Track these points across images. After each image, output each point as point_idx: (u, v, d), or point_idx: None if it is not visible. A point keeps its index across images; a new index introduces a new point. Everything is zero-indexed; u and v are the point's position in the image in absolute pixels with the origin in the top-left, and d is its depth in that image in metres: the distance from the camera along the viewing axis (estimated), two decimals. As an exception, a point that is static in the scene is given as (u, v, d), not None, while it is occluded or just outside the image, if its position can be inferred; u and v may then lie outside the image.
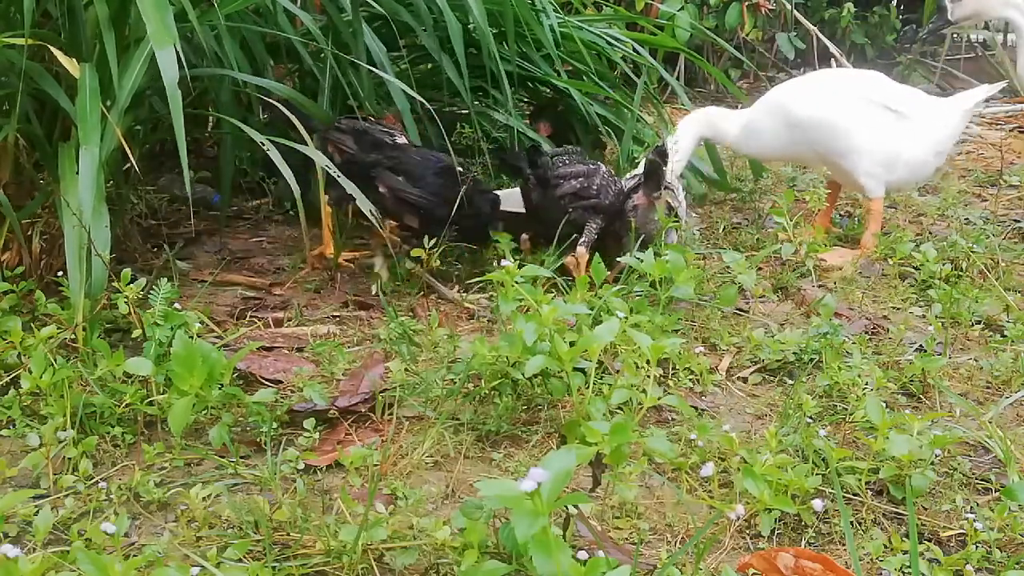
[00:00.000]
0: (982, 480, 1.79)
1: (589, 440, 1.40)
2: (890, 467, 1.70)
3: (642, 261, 2.26)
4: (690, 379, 2.15)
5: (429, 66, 3.63)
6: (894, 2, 6.92)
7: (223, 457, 1.71)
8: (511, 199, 2.75)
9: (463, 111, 3.60)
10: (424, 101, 2.75)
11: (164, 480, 1.68)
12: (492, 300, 2.50)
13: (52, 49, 2.08)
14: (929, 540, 1.59)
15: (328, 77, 2.97)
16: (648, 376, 1.66)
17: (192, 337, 1.93)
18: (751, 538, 1.58)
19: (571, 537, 1.47)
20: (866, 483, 1.71)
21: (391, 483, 1.65)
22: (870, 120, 3.01)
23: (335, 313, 2.50)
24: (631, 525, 1.60)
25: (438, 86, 3.36)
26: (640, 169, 2.77)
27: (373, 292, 2.56)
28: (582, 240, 2.62)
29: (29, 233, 2.37)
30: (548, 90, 3.65)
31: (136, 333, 2.00)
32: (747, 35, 6.15)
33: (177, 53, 1.97)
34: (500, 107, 3.38)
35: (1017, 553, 1.54)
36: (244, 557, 1.45)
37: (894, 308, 2.66)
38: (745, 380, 2.19)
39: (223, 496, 1.59)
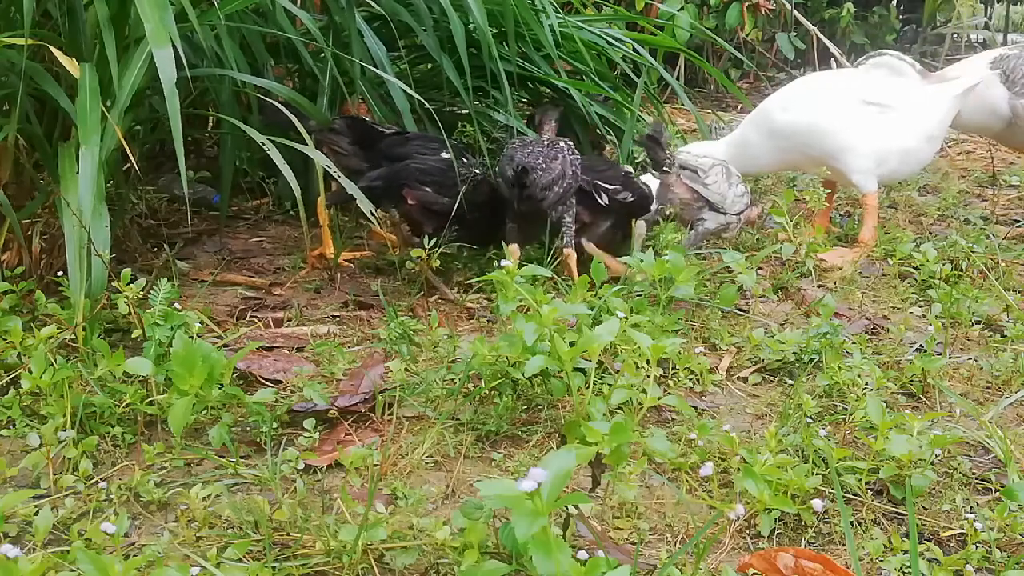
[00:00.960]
0: (982, 480, 1.79)
1: (589, 440, 1.40)
2: (890, 467, 1.70)
3: (642, 261, 2.27)
4: (690, 379, 2.15)
5: (429, 66, 3.64)
6: (894, 2, 6.92)
7: (223, 457, 1.71)
8: None
9: (463, 111, 3.60)
10: (424, 101, 2.76)
11: (164, 480, 1.68)
12: (492, 300, 2.50)
13: (52, 49, 2.08)
14: (929, 540, 1.59)
15: (328, 77, 2.97)
16: (648, 376, 1.66)
17: (192, 337, 1.93)
18: (751, 538, 1.58)
19: (571, 537, 1.47)
20: (866, 483, 1.71)
21: (391, 483, 1.65)
22: (853, 117, 3.02)
23: (335, 313, 2.50)
24: (631, 525, 1.60)
25: (438, 86, 3.36)
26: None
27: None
28: (565, 241, 2.60)
29: (29, 233, 2.37)
30: (548, 90, 3.65)
31: (136, 333, 2.00)
32: (747, 35, 6.16)
33: (177, 53, 1.97)
34: (500, 107, 3.38)
35: (1017, 553, 1.54)
36: (244, 557, 1.45)
37: (894, 308, 2.66)
38: (745, 380, 2.19)
39: (223, 496, 1.59)
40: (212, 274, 2.68)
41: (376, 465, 1.69)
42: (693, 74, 6.15)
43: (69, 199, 2.02)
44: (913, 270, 2.87)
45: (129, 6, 2.26)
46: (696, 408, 2.02)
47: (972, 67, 3.35)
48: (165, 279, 2.09)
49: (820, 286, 2.73)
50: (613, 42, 3.75)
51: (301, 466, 1.71)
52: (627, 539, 1.56)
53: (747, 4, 6.03)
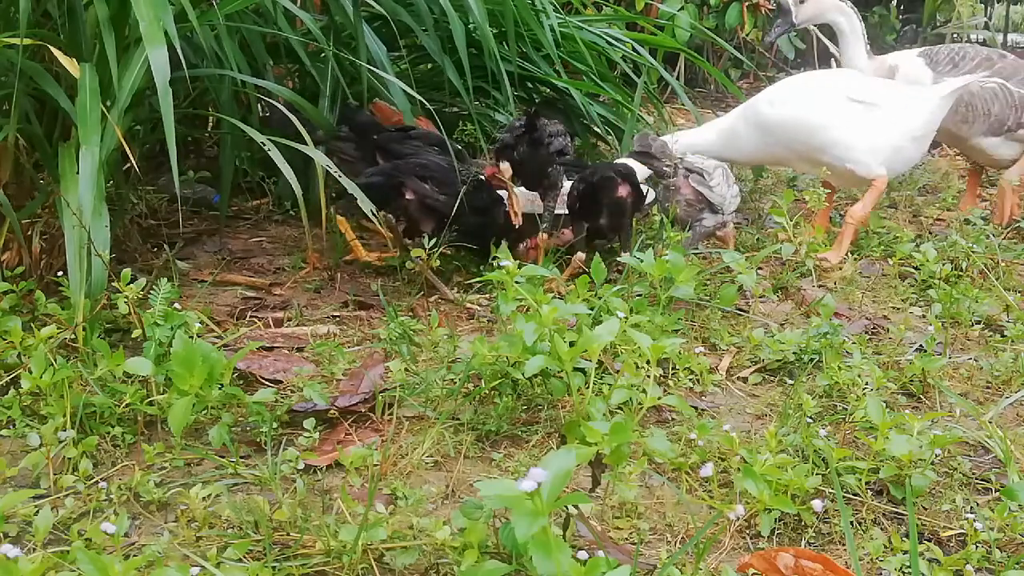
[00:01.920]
0: (982, 480, 1.79)
1: (589, 440, 1.40)
2: (890, 467, 1.70)
3: (642, 260, 2.26)
4: (690, 379, 2.15)
5: (429, 66, 3.64)
6: (894, 2, 6.92)
7: (223, 457, 1.71)
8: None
9: (463, 111, 3.61)
10: (424, 101, 2.76)
11: (164, 480, 1.68)
12: (492, 300, 2.50)
13: (52, 49, 2.08)
14: (929, 540, 1.59)
15: (328, 77, 2.97)
16: (648, 376, 1.66)
17: (192, 337, 1.93)
18: (751, 538, 1.58)
19: (571, 537, 1.47)
20: (866, 483, 1.71)
21: (391, 483, 1.65)
22: (840, 113, 3.03)
23: (335, 313, 2.50)
24: (631, 525, 1.60)
25: (439, 86, 3.36)
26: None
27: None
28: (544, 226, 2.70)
29: (29, 233, 2.37)
30: (548, 90, 3.65)
31: (136, 333, 2.00)
32: (747, 35, 6.16)
33: (176, 53, 1.97)
34: (500, 107, 3.38)
35: (1017, 553, 1.54)
36: (244, 557, 1.45)
37: (894, 308, 2.66)
38: (745, 380, 2.19)
39: (223, 496, 1.59)
40: (212, 274, 2.68)
41: (376, 465, 1.69)
42: (693, 74, 6.15)
43: (69, 199, 2.02)
44: (913, 270, 2.87)
45: (129, 6, 2.25)
46: (696, 408, 2.02)
47: (904, 55, 3.51)
48: (165, 279, 2.09)
49: (820, 286, 2.73)
50: (613, 42, 3.75)
51: (301, 466, 1.71)
52: (627, 539, 1.56)
53: (747, 4, 6.03)
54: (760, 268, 2.85)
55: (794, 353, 2.20)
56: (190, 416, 1.68)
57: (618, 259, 2.62)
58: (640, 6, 5.64)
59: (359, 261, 2.77)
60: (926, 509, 1.68)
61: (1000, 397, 2.12)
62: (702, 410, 2.03)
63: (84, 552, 1.20)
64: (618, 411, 1.80)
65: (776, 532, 1.59)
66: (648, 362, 1.67)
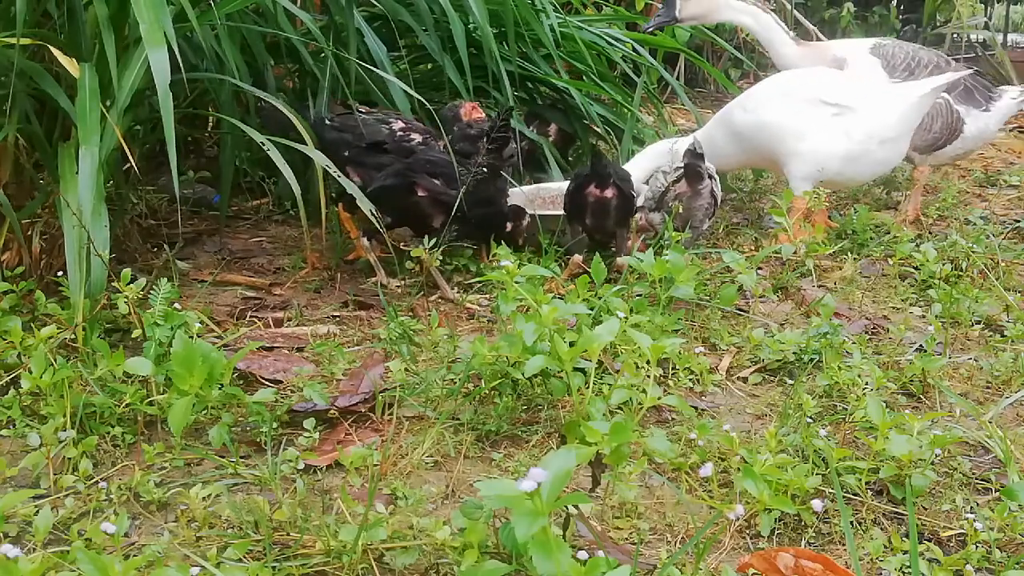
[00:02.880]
0: (982, 480, 1.79)
1: (589, 440, 1.40)
2: (890, 467, 1.70)
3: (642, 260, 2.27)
4: (690, 379, 2.15)
5: (429, 66, 3.64)
6: (894, 2, 6.92)
7: (223, 457, 1.71)
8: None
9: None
10: (424, 101, 2.75)
11: (164, 480, 1.68)
12: (492, 300, 2.50)
13: (52, 49, 2.08)
14: (929, 540, 1.59)
15: (328, 77, 2.97)
16: (648, 376, 1.66)
17: (192, 337, 1.93)
18: (751, 538, 1.58)
19: (571, 537, 1.47)
20: (866, 483, 1.71)
21: (391, 483, 1.65)
22: (803, 118, 3.01)
23: (335, 313, 2.50)
24: (631, 525, 1.60)
25: (439, 86, 3.36)
26: (680, 162, 2.85)
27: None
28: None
29: (29, 233, 2.37)
30: (548, 90, 3.65)
31: (136, 333, 2.00)
32: (747, 35, 6.15)
33: (176, 53, 1.97)
34: (501, 107, 3.38)
35: (1017, 553, 1.54)
36: (244, 557, 1.45)
37: (894, 308, 2.66)
38: (745, 380, 2.19)
39: (223, 496, 1.59)
40: (212, 274, 2.68)
41: (376, 465, 1.69)
42: (693, 74, 6.15)
43: (69, 199, 2.02)
44: (913, 270, 2.87)
45: (128, 6, 2.25)
46: (696, 408, 2.02)
47: (854, 47, 3.45)
48: (165, 279, 2.09)
49: (820, 286, 2.73)
50: (613, 42, 3.75)
51: (301, 466, 1.71)
52: (627, 539, 1.56)
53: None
54: (760, 268, 2.85)
55: (794, 353, 2.20)
56: (190, 416, 1.68)
57: (617, 260, 2.62)
58: (640, 6, 5.63)
59: (359, 261, 2.77)
60: (926, 509, 1.68)
61: (1000, 397, 2.12)
62: (702, 410, 2.03)
63: (84, 552, 1.20)
64: (618, 411, 1.80)
65: (776, 532, 1.59)
66: (648, 362, 1.67)
